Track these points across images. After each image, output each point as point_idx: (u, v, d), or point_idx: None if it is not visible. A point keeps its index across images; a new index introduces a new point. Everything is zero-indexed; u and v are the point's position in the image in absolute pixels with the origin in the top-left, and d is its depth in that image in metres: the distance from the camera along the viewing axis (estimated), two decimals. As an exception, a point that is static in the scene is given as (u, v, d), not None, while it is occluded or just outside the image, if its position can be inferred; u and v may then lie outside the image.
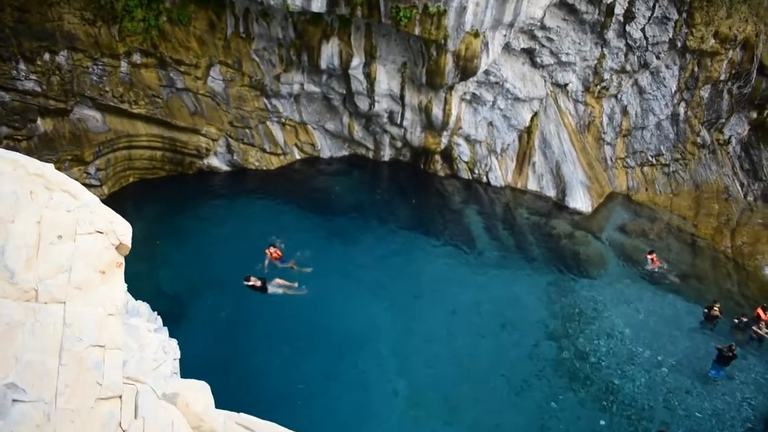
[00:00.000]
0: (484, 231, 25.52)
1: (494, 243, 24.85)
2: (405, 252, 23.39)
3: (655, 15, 25.43)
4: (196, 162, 26.13)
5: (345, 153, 29.59)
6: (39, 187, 4.57)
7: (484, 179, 28.62)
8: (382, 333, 18.89)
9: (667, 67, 27.03)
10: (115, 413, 4.31)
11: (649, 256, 23.84)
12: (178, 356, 9.87)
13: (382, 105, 26.75)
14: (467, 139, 27.99)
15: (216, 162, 26.70)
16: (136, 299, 11.03)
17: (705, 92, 27.58)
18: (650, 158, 28.60)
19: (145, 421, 4.46)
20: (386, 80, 25.97)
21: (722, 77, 26.98)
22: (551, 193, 28.02)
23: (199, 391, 5.24)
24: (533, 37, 25.82)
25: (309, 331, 18.43)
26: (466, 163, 28.61)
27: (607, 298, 21.94)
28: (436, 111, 26.27)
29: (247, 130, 26.80)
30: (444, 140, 27.67)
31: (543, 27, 25.28)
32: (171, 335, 10.54)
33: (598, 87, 27.55)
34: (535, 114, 27.86)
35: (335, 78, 26.59)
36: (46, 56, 21.54)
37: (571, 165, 27.60)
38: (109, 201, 18.32)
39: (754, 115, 27.88)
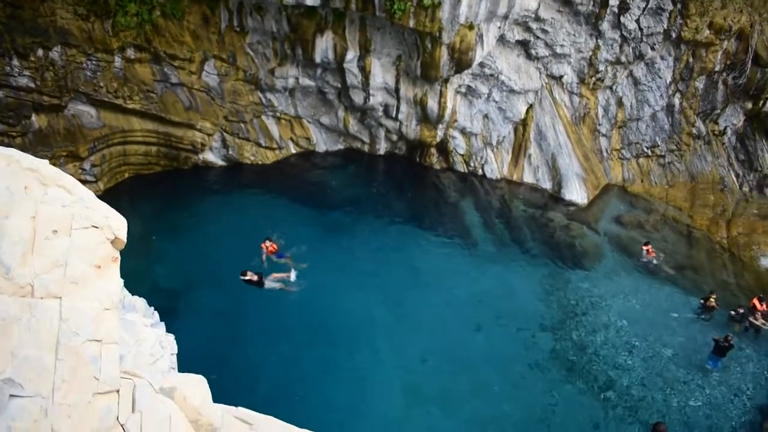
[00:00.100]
0: (480, 223, 25.55)
1: (490, 235, 24.88)
2: (401, 245, 23.39)
3: (649, 6, 25.43)
4: (192, 157, 26.08)
5: (340, 147, 29.57)
6: (33, 182, 4.56)
7: (480, 172, 28.64)
8: (378, 326, 18.91)
9: (662, 58, 27.04)
10: (113, 407, 4.31)
11: (644, 248, 23.90)
12: (176, 351, 9.89)
13: (377, 98, 26.71)
14: (463, 131, 27.99)
15: (211, 157, 26.65)
16: (133, 295, 11.04)
17: (700, 83, 27.61)
18: (646, 149, 28.64)
19: (142, 416, 4.46)
20: (381, 73, 25.92)
21: (717, 68, 27.00)
22: (547, 185, 28.05)
23: (197, 385, 5.24)
24: (528, 29, 25.80)
25: (305, 325, 18.45)
26: (462, 155, 28.61)
27: (603, 290, 22.00)
28: (432, 104, 26.24)
29: (242, 125, 26.75)
30: (439, 133, 27.66)
31: (537, 19, 25.26)
32: (168, 330, 10.55)
33: (593, 78, 27.56)
34: (531, 106, 27.86)
35: (330, 72, 26.54)
36: (40, 52, 21.46)
37: (566, 157, 27.62)
38: (105, 197, 18.30)
39: (749, 105, 27.91)
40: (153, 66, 24.36)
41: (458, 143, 28.38)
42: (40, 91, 21.58)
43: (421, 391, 16.91)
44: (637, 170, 28.78)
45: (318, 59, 25.64)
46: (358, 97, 26.73)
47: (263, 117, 27.60)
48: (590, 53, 26.80)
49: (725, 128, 28.50)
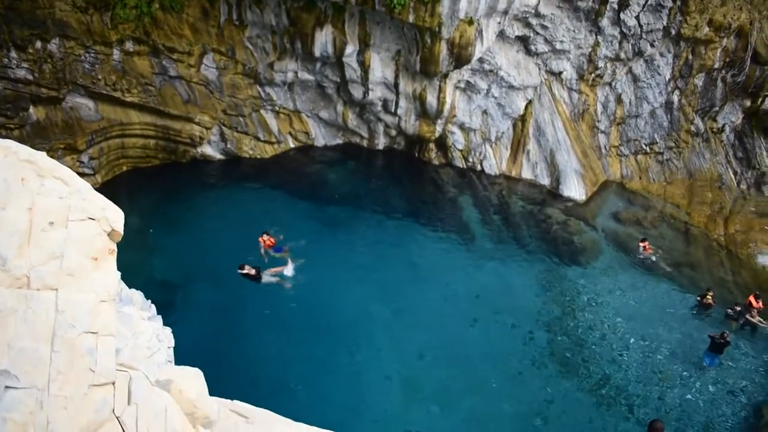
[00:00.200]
0: (479, 219, 25.56)
1: (488, 231, 24.89)
2: (399, 240, 23.41)
3: (649, 2, 25.39)
4: (190, 150, 26.04)
5: (339, 141, 29.54)
6: (30, 173, 4.54)
7: (479, 167, 28.63)
8: (376, 321, 18.93)
9: (661, 55, 27.02)
10: (108, 400, 4.31)
11: (641, 244, 23.93)
12: (173, 344, 9.88)
13: (377, 93, 26.68)
14: (461, 127, 27.98)
15: (209, 150, 26.61)
16: (130, 288, 11.01)
17: (699, 80, 27.60)
18: (644, 146, 28.64)
19: (138, 408, 4.46)
20: (380, 68, 25.88)
21: (716, 65, 26.99)
22: (545, 181, 28.06)
23: (193, 378, 5.24)
24: (527, 25, 25.76)
25: (303, 320, 18.45)
26: (461, 151, 28.60)
27: (601, 286, 22.03)
28: (431, 99, 26.22)
29: (241, 119, 26.71)
30: (438, 128, 27.64)
31: (537, 14, 25.23)
32: (165, 323, 10.53)
33: (593, 75, 27.53)
34: (530, 102, 27.85)
35: (329, 66, 26.50)
36: (38, 44, 21.39)
37: (565, 153, 27.62)
38: (103, 190, 18.24)
39: (748, 103, 27.91)
40: (152, 59, 24.29)
41: (457, 139, 28.37)
42: (38, 84, 21.51)
43: (419, 386, 16.94)
44: (636, 167, 28.79)
45: (317, 53, 25.59)
46: (357, 92, 26.69)
47: (262, 111, 27.56)
48: (590, 49, 26.77)
49: (724, 126, 28.50)
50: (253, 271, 18.97)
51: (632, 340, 19.66)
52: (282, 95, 27.68)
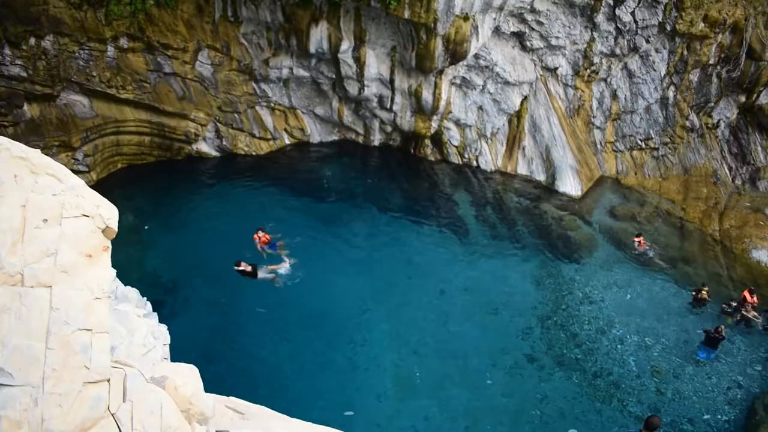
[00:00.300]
0: (474, 215, 25.58)
1: (484, 227, 24.91)
2: (395, 236, 23.42)
3: (644, -2, 25.43)
4: (185, 147, 26.00)
5: (335, 138, 29.52)
6: (24, 170, 4.53)
7: (474, 163, 28.65)
8: (371, 316, 18.96)
9: (656, 50, 27.04)
10: (103, 396, 4.31)
11: (636, 239, 23.99)
12: (168, 342, 9.88)
13: (372, 89, 26.66)
14: (457, 123, 27.97)
15: (205, 147, 26.58)
16: (126, 285, 10.99)
17: (694, 76, 27.64)
18: (639, 142, 28.69)
19: (133, 405, 4.46)
20: (376, 64, 25.86)
21: (711, 61, 27.02)
22: (541, 177, 28.09)
23: (188, 375, 5.23)
24: (523, 21, 25.76)
25: (299, 316, 18.47)
26: (456, 147, 28.61)
27: (596, 281, 22.09)
28: (426, 95, 26.21)
29: (236, 115, 26.67)
30: (434, 125, 27.64)
31: (533, 10, 25.22)
32: (161, 321, 10.53)
33: (588, 71, 27.55)
34: (525, 98, 27.85)
35: (324, 62, 26.46)
36: (32, 41, 21.30)
37: (560, 149, 27.65)
38: (98, 187, 18.22)
39: (743, 99, 27.98)
40: (146, 55, 24.22)
41: (452, 135, 28.37)
42: (32, 81, 21.44)
43: (414, 381, 16.98)
44: (631, 163, 28.84)
45: (312, 50, 25.55)
46: (352, 88, 26.66)
47: (257, 107, 27.52)
48: (585, 45, 26.78)
49: (719, 121, 28.57)
50: (249, 268, 18.92)
51: (627, 334, 19.71)
52: (277, 92, 27.65)
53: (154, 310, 11.23)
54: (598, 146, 28.79)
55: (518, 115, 28.02)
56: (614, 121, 28.71)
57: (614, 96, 28.30)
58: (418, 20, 22.88)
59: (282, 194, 25.10)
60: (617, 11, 25.65)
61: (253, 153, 27.30)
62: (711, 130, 28.64)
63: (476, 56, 25.75)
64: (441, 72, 25.61)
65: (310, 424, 6.42)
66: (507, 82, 27.09)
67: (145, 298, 11.46)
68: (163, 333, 9.78)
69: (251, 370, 16.38)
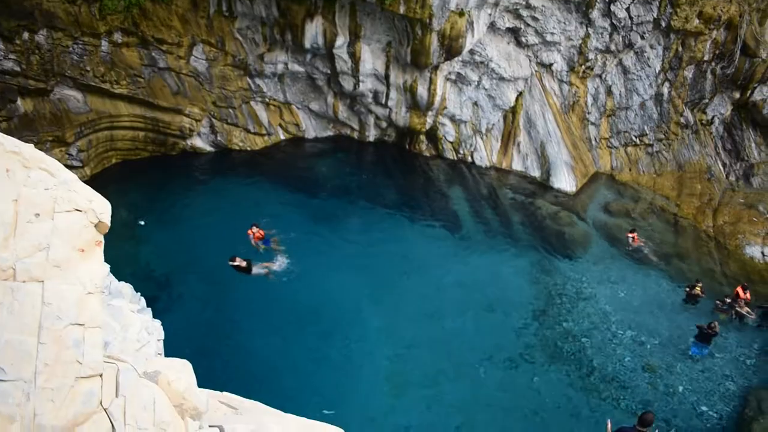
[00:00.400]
0: (469, 211, 25.59)
1: (479, 223, 24.93)
2: (389, 232, 23.41)
3: (639, -6, 25.45)
4: (179, 143, 25.93)
5: (330, 133, 29.48)
6: (16, 164, 4.51)
7: (469, 159, 28.66)
8: (367, 313, 18.94)
9: (651, 47, 27.07)
10: (96, 391, 4.30)
11: (629, 235, 24.04)
12: (162, 337, 9.85)
13: (367, 85, 26.62)
14: (452, 119, 27.97)
15: (199, 142, 26.51)
16: (119, 280, 10.96)
17: (689, 72, 27.68)
18: (634, 138, 28.75)
19: (126, 400, 4.45)
20: (371, 60, 25.82)
21: (706, 57, 27.07)
22: (536, 173, 28.12)
23: (181, 370, 5.23)
24: (518, 17, 25.75)
25: (293, 311, 18.44)
26: (451, 143, 28.61)
27: (591, 278, 22.13)
28: (421, 91, 26.19)
29: (231, 110, 26.60)
30: (429, 120, 27.63)
31: (528, 6, 25.22)
32: (155, 316, 10.51)
33: (583, 67, 27.57)
34: (520, 94, 27.86)
35: (319, 57, 26.41)
36: (25, 35, 21.18)
37: (555, 145, 27.68)
38: (92, 182, 18.17)
39: (737, 95, 28.06)
40: (140, 50, 24.12)
41: (448, 130, 28.37)
42: (25, 75, 21.32)
43: (408, 376, 16.99)
44: (626, 159, 28.90)
45: (307, 45, 25.50)
46: (347, 84, 26.63)
47: (252, 103, 27.46)
48: (580, 41, 26.79)
49: (713, 118, 28.64)
50: (243, 263, 18.91)
51: (621, 330, 19.77)
52: (272, 87, 27.59)
53: (148, 306, 11.20)
54: (593, 142, 28.84)
55: (513, 111, 28.04)
56: (609, 117, 28.75)
57: (609, 92, 28.33)
58: (414, 16, 22.85)
59: (277, 190, 25.05)
60: (612, 7, 25.67)
61: (248, 148, 27.24)
62: (705, 127, 28.71)
63: (471, 52, 25.74)
64: (436, 68, 25.59)
65: (303, 419, 6.42)
66: (502, 78, 27.09)
67: (139, 294, 11.43)
68: (157, 328, 9.75)
69: (245, 366, 16.36)
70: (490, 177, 28.05)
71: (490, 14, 24.67)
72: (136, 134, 24.84)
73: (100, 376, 4.40)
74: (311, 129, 29.04)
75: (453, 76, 26.70)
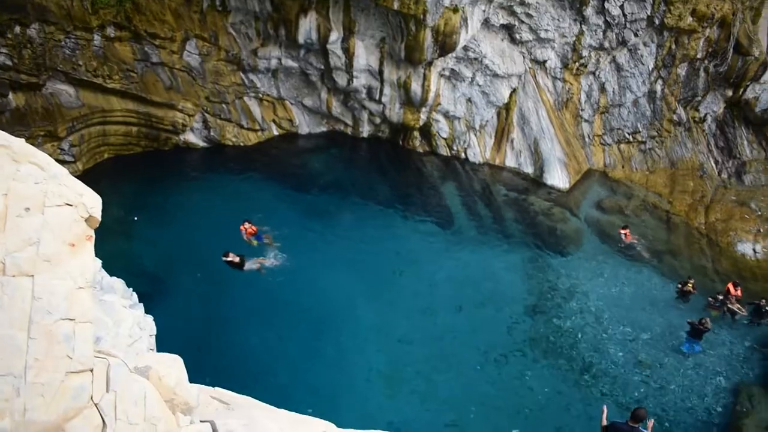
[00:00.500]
0: (462, 207, 25.61)
1: (472, 219, 24.96)
2: (383, 229, 23.41)
3: (633, -8, 25.47)
4: (172, 138, 25.84)
5: (323, 129, 29.44)
6: (5, 158, 4.47)
7: (463, 156, 28.67)
8: (360, 309, 18.94)
9: (644, 44, 27.12)
10: (86, 386, 4.28)
11: (622, 231, 24.12)
12: (154, 332, 9.85)
13: (361, 80, 26.59)
14: (446, 115, 27.97)
15: (192, 138, 26.42)
16: (111, 276, 10.94)
17: (682, 70, 27.76)
18: (627, 135, 28.82)
19: (117, 395, 4.43)
20: (365, 55, 25.79)
21: (699, 55, 27.14)
22: (529, 169, 28.15)
23: (172, 365, 5.22)
24: (512, 13, 25.75)
25: (285, 307, 18.43)
26: (445, 139, 28.62)
27: (583, 274, 22.20)
28: (415, 87, 26.17)
29: (224, 106, 26.52)
30: (423, 116, 27.62)
31: (522, 3, 25.21)
32: (147, 312, 10.49)
33: (577, 64, 27.60)
34: (514, 90, 27.88)
35: (313, 53, 26.35)
36: (17, 29, 21.06)
37: (549, 142, 27.72)
38: (84, 177, 18.08)
39: (730, 93, 28.15)
40: (133, 45, 24.03)
41: (441, 127, 28.37)
42: (17, 69, 21.20)
43: (402, 373, 17.01)
44: (619, 156, 28.97)
45: (301, 40, 25.44)
46: (341, 79, 26.58)
47: (245, 98, 27.39)
48: (574, 38, 26.81)
49: (705, 115, 28.73)
50: (236, 259, 18.88)
51: (613, 326, 19.84)
52: (266, 82, 27.52)
53: (140, 301, 11.19)
54: (586, 139, 28.90)
55: (507, 107, 28.05)
56: (602, 114, 28.81)
57: (602, 89, 28.38)
58: (408, 11, 22.82)
59: (270, 185, 25.01)
60: (606, 4, 25.69)
61: (241, 144, 27.18)
62: (698, 124, 28.80)
63: (465, 48, 25.73)
64: (430, 64, 25.58)
65: (295, 414, 6.42)
66: (496, 75, 27.09)
67: (132, 289, 11.42)
68: (149, 324, 9.75)
69: (238, 361, 16.33)
70: (483, 173, 28.08)
71: (484, 11, 24.66)
72: (128, 129, 24.74)
73: (91, 371, 4.37)
74: (305, 125, 28.99)
75: (447, 73, 26.70)
